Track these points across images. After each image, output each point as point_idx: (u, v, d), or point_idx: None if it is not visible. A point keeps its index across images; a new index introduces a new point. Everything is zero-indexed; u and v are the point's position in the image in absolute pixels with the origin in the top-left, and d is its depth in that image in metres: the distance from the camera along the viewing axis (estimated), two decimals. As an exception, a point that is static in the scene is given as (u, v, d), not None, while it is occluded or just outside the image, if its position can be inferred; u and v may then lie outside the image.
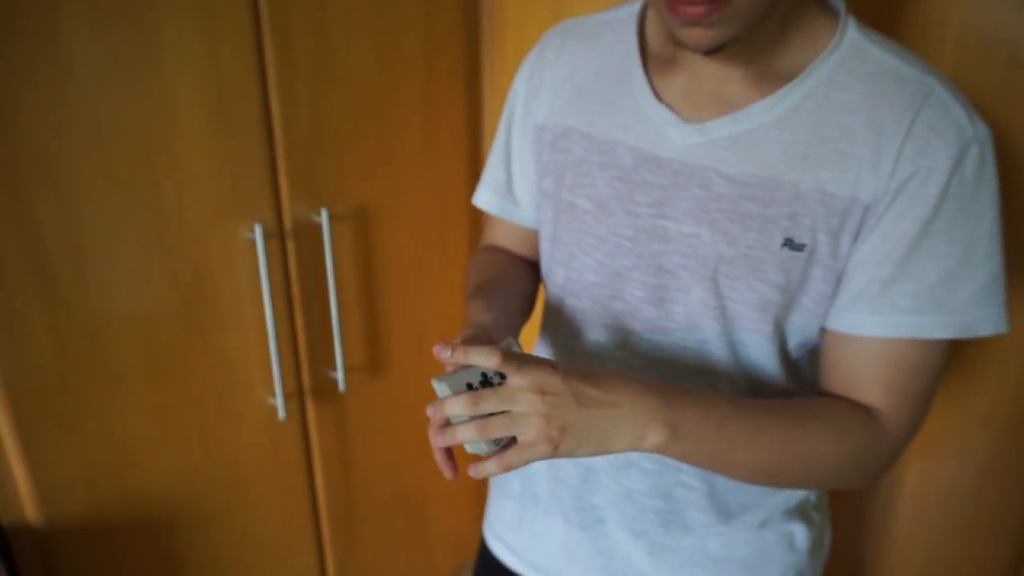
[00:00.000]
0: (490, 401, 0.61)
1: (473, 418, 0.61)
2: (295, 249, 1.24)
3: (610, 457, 0.81)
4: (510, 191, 0.90)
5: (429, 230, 1.48)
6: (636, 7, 0.79)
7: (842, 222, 0.66)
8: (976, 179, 0.64)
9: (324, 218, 1.24)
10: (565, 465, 0.85)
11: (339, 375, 1.35)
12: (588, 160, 0.77)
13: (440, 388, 0.63)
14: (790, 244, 0.68)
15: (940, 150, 0.63)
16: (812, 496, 0.86)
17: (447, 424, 0.64)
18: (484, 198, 0.92)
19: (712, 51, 0.63)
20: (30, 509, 1.03)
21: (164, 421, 1.14)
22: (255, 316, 1.20)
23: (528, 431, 0.60)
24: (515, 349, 0.68)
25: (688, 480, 0.80)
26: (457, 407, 0.61)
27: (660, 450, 0.64)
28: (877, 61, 0.66)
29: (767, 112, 0.68)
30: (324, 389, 1.36)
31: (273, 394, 1.26)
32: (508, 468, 0.61)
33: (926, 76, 0.65)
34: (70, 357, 1.01)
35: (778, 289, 0.69)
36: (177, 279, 1.10)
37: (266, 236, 1.17)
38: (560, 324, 0.85)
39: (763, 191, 0.68)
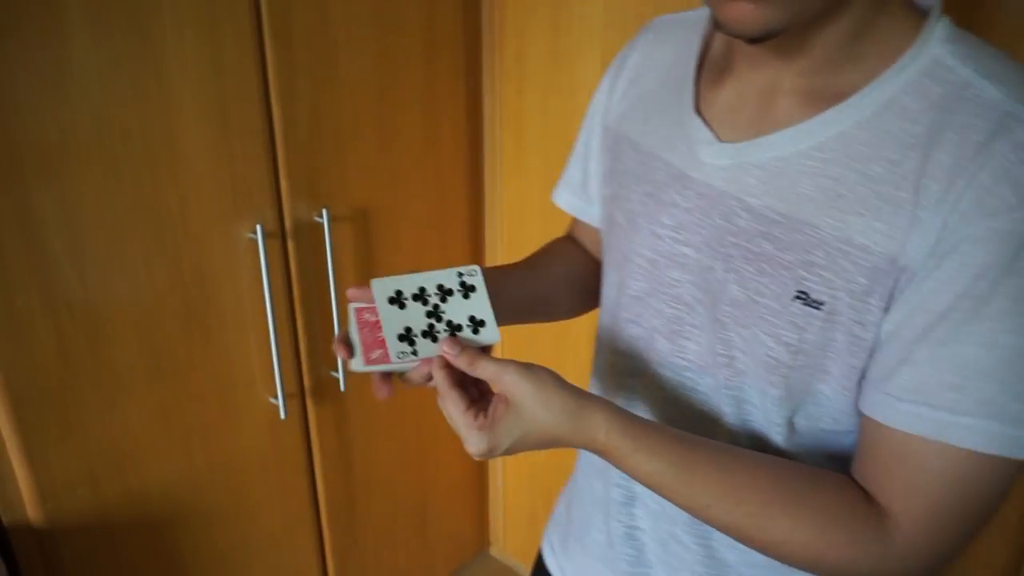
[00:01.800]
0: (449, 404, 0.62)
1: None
2: (296, 249, 1.24)
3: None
4: (585, 190, 0.84)
5: (429, 230, 1.48)
6: None
7: (871, 283, 0.54)
8: None
9: (325, 218, 1.24)
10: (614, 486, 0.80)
11: (340, 375, 1.35)
12: (631, 172, 0.71)
13: (377, 288, 0.63)
14: (804, 298, 0.57)
15: (1013, 209, 0.48)
16: None
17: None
18: (562, 196, 0.88)
19: (759, 38, 0.53)
20: (31, 508, 1.03)
21: (165, 421, 1.14)
22: (256, 316, 1.20)
23: (465, 443, 0.61)
24: (475, 279, 0.66)
25: (681, 535, 0.73)
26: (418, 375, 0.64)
27: (602, 457, 0.62)
28: (958, 83, 0.52)
29: (807, 137, 0.57)
30: (325, 389, 1.36)
31: (274, 394, 1.26)
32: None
33: (1018, 106, 0.50)
34: (72, 357, 1.01)
35: (788, 348, 0.59)
36: (178, 279, 1.10)
37: (267, 236, 1.17)
38: (597, 338, 0.81)
39: (783, 231, 0.58)
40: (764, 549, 0.59)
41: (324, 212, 1.24)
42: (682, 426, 0.66)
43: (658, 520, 0.73)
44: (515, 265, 0.84)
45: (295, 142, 1.18)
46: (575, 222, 0.90)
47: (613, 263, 0.75)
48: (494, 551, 1.96)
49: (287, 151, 1.18)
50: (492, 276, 0.70)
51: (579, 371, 1.58)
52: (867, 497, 0.57)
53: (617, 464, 0.60)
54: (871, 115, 0.55)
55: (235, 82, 1.08)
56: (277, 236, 1.21)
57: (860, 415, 0.59)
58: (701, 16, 0.70)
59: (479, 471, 1.84)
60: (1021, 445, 0.50)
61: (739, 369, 0.63)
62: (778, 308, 0.58)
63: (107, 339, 1.04)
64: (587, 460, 0.81)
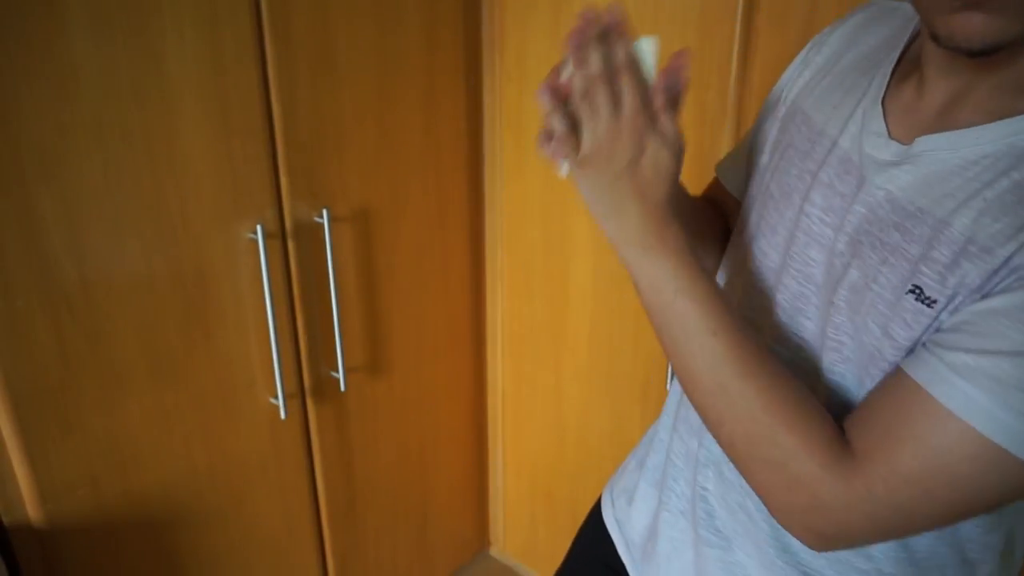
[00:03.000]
0: (602, 95, 0.60)
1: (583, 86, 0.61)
2: (296, 249, 1.24)
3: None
4: (746, 160, 0.83)
5: (429, 230, 1.48)
6: None
7: (984, 283, 0.53)
8: None
9: (325, 218, 1.24)
10: (675, 445, 0.83)
11: (340, 375, 1.35)
12: (796, 146, 0.71)
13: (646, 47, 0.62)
14: (917, 293, 0.56)
15: None
16: None
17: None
18: (724, 163, 0.88)
19: (985, 52, 0.51)
20: (32, 509, 1.03)
21: (165, 421, 1.14)
22: (256, 316, 1.20)
23: (600, 128, 0.61)
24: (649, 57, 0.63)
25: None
26: (591, 65, 0.61)
27: (626, 257, 0.63)
28: None
29: (973, 142, 0.56)
30: (325, 389, 1.36)
31: (274, 394, 1.26)
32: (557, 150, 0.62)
33: None
34: (72, 357, 1.01)
35: (892, 343, 0.58)
36: (179, 279, 1.10)
37: (267, 236, 1.17)
38: (726, 288, 0.80)
39: (916, 224, 0.57)
40: (709, 395, 0.62)
41: (324, 212, 1.24)
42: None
43: (729, 488, 0.74)
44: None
45: (295, 142, 1.18)
46: (714, 189, 0.91)
47: (753, 230, 0.75)
48: (494, 551, 1.96)
49: (287, 151, 1.18)
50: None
51: (578, 372, 1.59)
52: (841, 430, 0.59)
53: (653, 281, 0.63)
54: None
55: (235, 82, 1.08)
56: (277, 236, 1.21)
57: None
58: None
59: (479, 471, 1.84)
60: (1017, 438, 0.50)
61: (846, 356, 0.63)
62: (891, 299, 0.58)
63: (107, 339, 1.04)
64: (683, 417, 0.82)
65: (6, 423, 0.98)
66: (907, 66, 0.65)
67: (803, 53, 0.78)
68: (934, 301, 0.55)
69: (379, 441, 1.51)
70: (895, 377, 0.56)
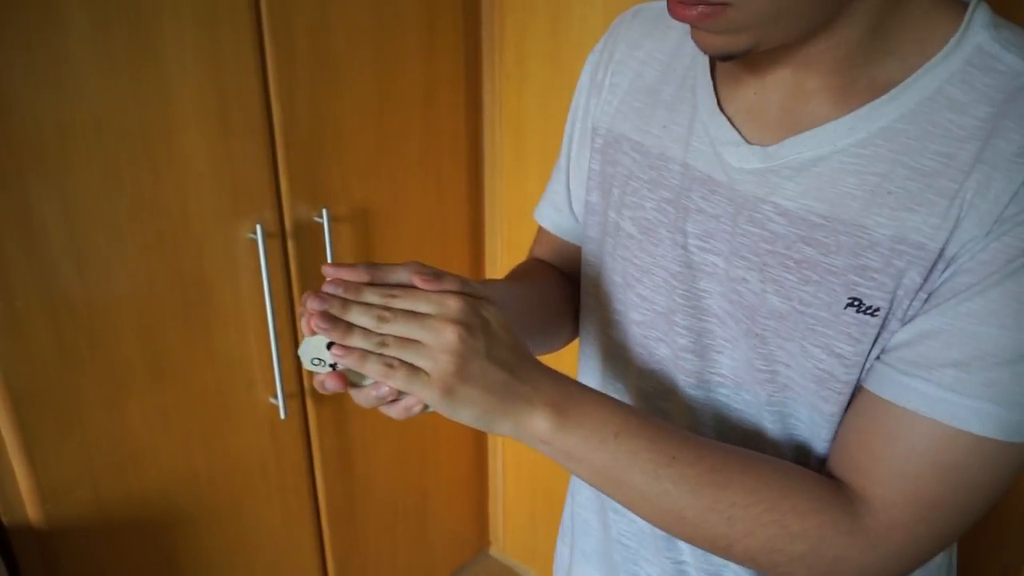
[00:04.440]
0: (400, 321, 0.53)
1: (376, 343, 0.53)
2: (296, 249, 1.24)
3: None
4: (570, 206, 0.77)
5: (429, 230, 1.48)
6: None
7: (924, 280, 0.51)
8: None
9: (325, 218, 1.24)
10: (618, 524, 0.76)
11: (339, 375, 1.35)
12: (637, 176, 0.65)
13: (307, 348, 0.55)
14: (857, 305, 0.53)
15: None
16: None
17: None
18: (544, 214, 0.80)
19: (726, 58, 0.53)
20: (31, 509, 1.03)
21: (165, 421, 1.14)
22: (256, 316, 1.20)
23: (431, 366, 0.52)
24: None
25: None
26: (362, 318, 0.53)
27: (543, 439, 0.55)
28: (1011, 72, 0.50)
29: (846, 134, 0.53)
30: (324, 389, 1.36)
31: (274, 394, 1.26)
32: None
33: None
34: (71, 357, 1.01)
35: (841, 361, 0.55)
36: (178, 279, 1.10)
37: (267, 236, 1.17)
38: (601, 361, 0.75)
39: (827, 234, 0.54)
40: (705, 526, 0.55)
41: (324, 212, 1.24)
42: (728, 441, 0.62)
43: (705, 554, 0.69)
44: (512, 285, 0.73)
45: (295, 142, 1.18)
46: (546, 243, 0.82)
47: (618, 278, 0.68)
48: (494, 551, 1.97)
49: (287, 151, 1.18)
50: (510, 300, 0.65)
51: (578, 371, 1.58)
52: (839, 483, 0.55)
53: (563, 444, 0.55)
54: (916, 108, 0.51)
55: (235, 82, 1.08)
56: (277, 236, 1.21)
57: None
58: None
59: (479, 471, 1.84)
60: (1021, 431, 0.49)
61: (782, 384, 0.59)
62: (828, 318, 0.54)
63: (107, 339, 1.04)
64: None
65: (6, 423, 0.98)
66: (727, 66, 0.61)
67: (586, 77, 0.73)
68: (876, 309, 0.52)
69: (379, 441, 1.51)
70: (875, 407, 0.53)
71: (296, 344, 1.29)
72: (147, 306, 1.07)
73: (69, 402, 1.02)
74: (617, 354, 0.71)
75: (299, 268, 1.25)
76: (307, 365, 0.56)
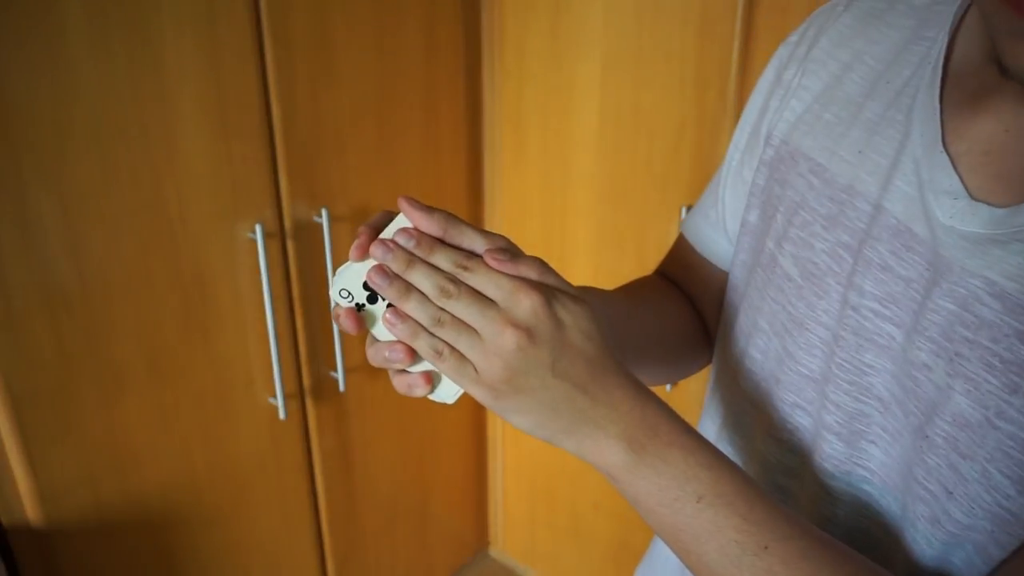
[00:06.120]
0: (465, 301, 0.45)
1: (432, 319, 0.46)
2: (295, 249, 1.24)
3: None
4: (723, 222, 0.64)
5: (429, 230, 1.48)
6: None
7: None
8: None
9: (324, 218, 1.24)
10: None
11: (339, 375, 1.35)
12: (811, 206, 0.52)
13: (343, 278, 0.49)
14: None
15: None
16: None
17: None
18: (690, 223, 0.68)
19: None
20: (31, 509, 1.03)
21: (164, 421, 1.14)
22: (255, 316, 1.20)
23: (482, 365, 0.45)
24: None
25: None
26: (425, 282, 0.46)
27: (611, 473, 0.47)
28: None
29: None
30: (324, 389, 1.36)
31: (273, 394, 1.26)
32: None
33: None
34: (71, 357, 1.01)
35: None
36: (178, 279, 1.10)
37: (266, 236, 1.17)
38: (724, 408, 0.63)
39: None
40: None
41: (324, 212, 1.24)
42: (853, 546, 0.48)
43: None
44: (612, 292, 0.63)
45: (295, 142, 1.18)
46: (679, 258, 0.69)
47: (764, 323, 0.56)
48: (494, 551, 1.96)
49: (287, 151, 1.18)
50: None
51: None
52: None
53: (632, 487, 0.46)
54: None
55: (235, 82, 1.08)
56: (276, 236, 1.21)
57: None
58: (927, 1, 0.51)
59: (479, 471, 1.84)
60: None
61: (945, 510, 0.45)
62: None
63: (106, 339, 1.04)
64: None
65: (5, 423, 0.98)
66: (964, 87, 0.46)
67: (772, 72, 0.60)
68: None
69: (379, 441, 1.51)
70: None
71: (296, 344, 1.29)
72: (146, 306, 1.07)
73: (68, 402, 1.02)
74: (744, 409, 0.60)
75: (299, 268, 1.25)
76: (333, 294, 0.50)
